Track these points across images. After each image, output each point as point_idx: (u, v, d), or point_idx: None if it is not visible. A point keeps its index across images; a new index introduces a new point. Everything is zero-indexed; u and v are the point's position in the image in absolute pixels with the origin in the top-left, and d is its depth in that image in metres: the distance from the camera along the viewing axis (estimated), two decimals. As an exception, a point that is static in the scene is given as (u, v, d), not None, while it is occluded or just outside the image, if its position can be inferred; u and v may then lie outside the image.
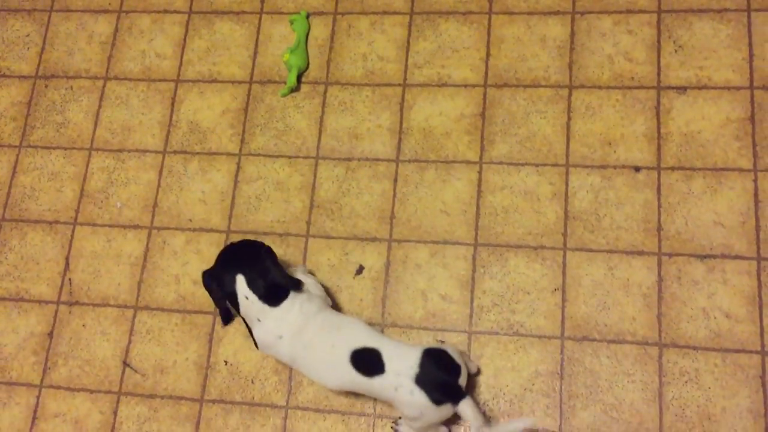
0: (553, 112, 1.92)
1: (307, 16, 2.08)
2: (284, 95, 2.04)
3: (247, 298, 1.57)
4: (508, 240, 1.85)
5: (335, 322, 1.61)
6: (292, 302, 1.59)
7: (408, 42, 2.05)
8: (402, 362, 1.50)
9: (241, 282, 1.57)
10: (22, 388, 1.92)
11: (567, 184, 1.86)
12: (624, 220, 1.81)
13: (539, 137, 1.91)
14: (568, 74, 1.95)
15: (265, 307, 1.57)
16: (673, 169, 1.83)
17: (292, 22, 2.06)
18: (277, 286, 1.58)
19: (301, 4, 2.13)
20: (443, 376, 1.49)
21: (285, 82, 2.03)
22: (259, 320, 1.59)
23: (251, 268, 1.58)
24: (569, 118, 1.91)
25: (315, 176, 1.98)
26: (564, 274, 1.80)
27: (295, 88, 2.04)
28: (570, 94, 1.93)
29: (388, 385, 1.50)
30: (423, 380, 1.47)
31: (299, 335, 1.57)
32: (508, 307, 1.80)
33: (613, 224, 1.81)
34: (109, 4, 2.22)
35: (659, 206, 1.81)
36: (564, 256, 1.81)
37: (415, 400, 1.48)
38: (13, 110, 2.17)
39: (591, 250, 1.80)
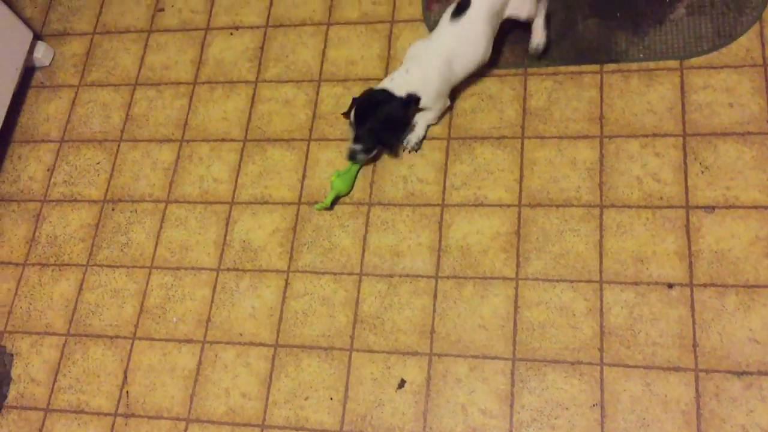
0: (585, 230, 2.01)
1: None
2: (318, 209, 2.18)
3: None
4: (545, 355, 1.90)
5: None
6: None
7: (446, 165, 2.19)
8: None
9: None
10: (78, 499, 2.00)
11: (601, 300, 1.92)
12: (659, 336, 1.85)
13: (573, 254, 1.99)
14: (599, 194, 2.05)
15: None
16: (705, 285, 1.88)
17: None
18: None
19: (347, 131, 2.31)
20: None
21: (327, 204, 2.17)
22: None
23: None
24: (601, 236, 2.00)
25: (359, 292, 2.08)
26: (602, 389, 1.83)
27: (328, 209, 2.18)
28: (601, 213, 2.02)
29: None
30: None
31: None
32: (548, 422, 1.83)
33: (649, 340, 1.86)
34: (172, 134, 2.43)
35: (693, 322, 1.85)
36: (601, 372, 1.85)
37: None
38: (82, 232, 2.35)
39: (628, 366, 1.84)
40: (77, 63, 2.62)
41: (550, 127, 2.17)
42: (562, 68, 2.24)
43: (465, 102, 2.26)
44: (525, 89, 2.24)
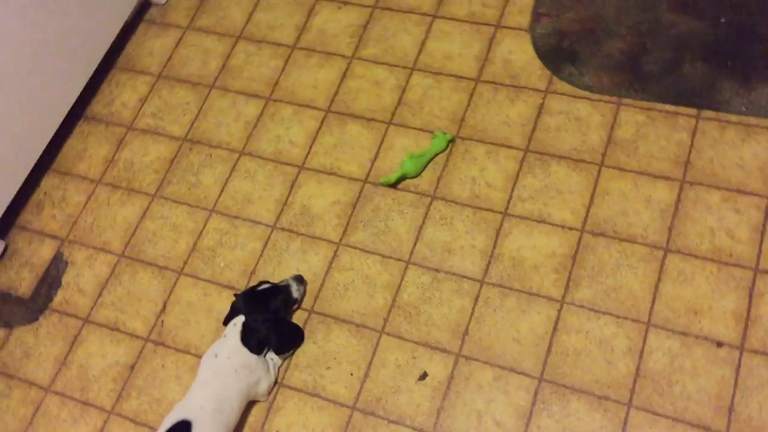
0: (644, 269, 1.95)
1: (451, 141, 2.24)
2: (381, 182, 2.19)
3: (234, 324, 1.94)
4: (573, 382, 1.85)
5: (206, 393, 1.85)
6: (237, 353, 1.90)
7: (517, 175, 2.17)
8: None
9: (240, 319, 1.94)
10: (94, 410, 2.07)
11: (644, 343, 1.86)
12: (696, 392, 1.78)
13: (625, 290, 1.93)
14: (667, 237, 1.98)
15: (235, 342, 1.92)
16: (756, 352, 1.79)
17: (434, 136, 2.23)
18: (257, 339, 1.91)
19: (427, 123, 2.32)
20: None
21: (391, 180, 2.18)
22: (225, 336, 1.95)
23: (254, 314, 1.94)
24: (659, 279, 1.93)
25: (402, 279, 2.08)
26: (623, 430, 1.77)
27: (391, 186, 2.19)
28: (665, 256, 1.96)
29: None
30: None
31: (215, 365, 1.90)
32: (560, 450, 1.78)
33: (684, 393, 1.78)
34: (261, 91, 2.50)
35: (735, 386, 1.76)
36: (627, 413, 1.79)
37: None
38: (157, 164, 2.44)
39: (656, 413, 1.77)
40: (190, 7, 2.73)
41: (631, 161, 2.11)
42: (659, 105, 2.18)
43: (552, 118, 2.23)
44: (615, 118, 2.19)
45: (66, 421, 2.08)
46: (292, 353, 2.03)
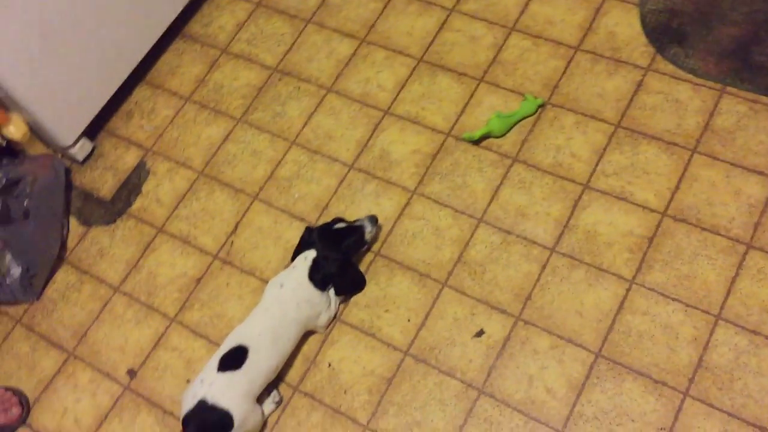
0: (722, 262, 1.90)
1: (540, 107, 2.21)
2: (464, 137, 2.18)
3: (305, 258, 1.96)
4: (631, 363, 1.83)
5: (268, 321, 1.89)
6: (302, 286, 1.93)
7: (604, 149, 2.12)
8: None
9: (311, 254, 1.95)
10: (158, 315, 2.15)
11: (711, 335, 1.82)
12: (757, 391, 1.74)
13: (699, 280, 1.89)
14: (751, 233, 1.92)
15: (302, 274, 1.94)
16: (829, 362, 1.73)
17: (525, 99, 2.20)
18: (325, 276, 1.93)
19: (519, 85, 2.28)
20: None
21: (475, 136, 2.17)
22: (294, 267, 1.96)
23: (326, 252, 1.95)
24: (737, 274, 1.88)
25: (472, 236, 2.08)
26: (676, 417, 1.74)
27: (474, 142, 2.18)
28: (746, 252, 1.90)
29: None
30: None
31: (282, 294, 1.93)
32: (608, 426, 1.77)
33: (745, 391, 1.74)
34: (357, 31, 2.49)
35: (801, 393, 1.72)
36: (682, 401, 1.76)
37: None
38: (246, 89, 2.48)
39: (712, 406, 1.74)
40: (297, -61, 2.73)
41: (726, 151, 2.04)
42: (764, 98, 2.09)
43: (649, 97, 2.17)
44: (716, 106, 2.12)
45: (130, 321, 2.16)
46: (350, 297, 2.06)
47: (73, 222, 2.37)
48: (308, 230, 2.03)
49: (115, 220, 2.35)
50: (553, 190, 2.10)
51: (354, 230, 2.01)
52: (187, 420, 1.78)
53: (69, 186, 2.41)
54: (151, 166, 2.42)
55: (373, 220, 2.03)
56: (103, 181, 2.42)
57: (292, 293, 1.91)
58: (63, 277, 2.28)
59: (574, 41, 2.31)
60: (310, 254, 1.96)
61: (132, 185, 2.40)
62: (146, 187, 2.38)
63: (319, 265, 1.94)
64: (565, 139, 2.17)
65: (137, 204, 2.36)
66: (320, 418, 1.92)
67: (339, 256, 1.96)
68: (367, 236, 2.03)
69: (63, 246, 2.32)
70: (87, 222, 2.36)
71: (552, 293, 1.96)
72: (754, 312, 1.83)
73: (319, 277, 1.93)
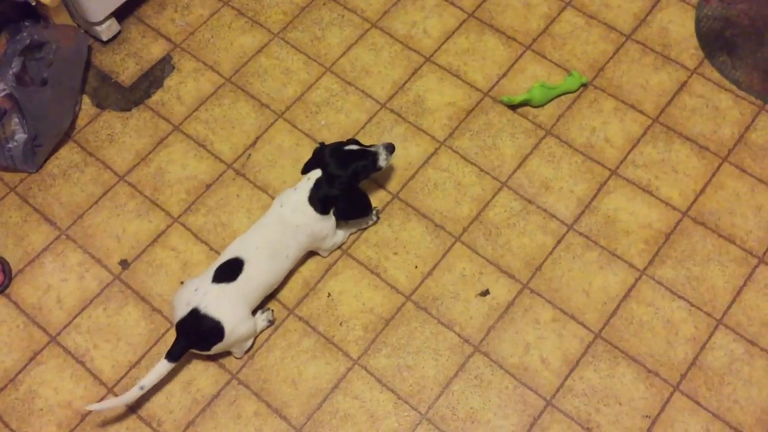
0: (733, 270, 1.93)
1: (583, 86, 2.20)
2: (501, 101, 2.17)
3: (308, 179, 1.87)
4: (628, 349, 1.85)
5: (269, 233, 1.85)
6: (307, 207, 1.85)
7: (638, 140, 2.13)
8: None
9: (315, 174, 1.87)
10: (161, 212, 2.09)
11: (710, 337, 1.85)
12: (745, 399, 1.78)
13: (708, 284, 1.92)
14: (765, 249, 1.96)
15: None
16: (817, 383, 1.78)
17: (570, 74, 2.18)
18: (325, 199, 1.85)
19: (565, 60, 2.27)
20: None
21: (514, 101, 2.15)
22: (295, 189, 1.88)
23: (332, 173, 1.85)
24: (745, 285, 1.91)
25: (493, 197, 2.07)
26: (662, 409, 1.78)
27: (512, 107, 2.16)
28: (757, 265, 1.94)
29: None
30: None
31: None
32: (595, 404, 1.79)
33: (733, 396, 1.78)
34: (412, -28, 2.44)
35: (785, 407, 1.76)
36: (671, 394, 1.79)
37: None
38: (288, 6, 2.41)
39: (699, 405, 1.78)
40: None
41: (755, 166, 2.07)
42: (801, 123, 2.12)
43: (690, 99, 2.18)
44: (753, 120, 2.14)
45: (131, 212, 2.10)
46: (362, 229, 2.03)
47: (87, 101, 2.28)
48: (321, 147, 1.93)
49: (130, 108, 2.26)
50: (581, 169, 2.10)
51: (367, 154, 1.89)
52: (179, 327, 1.75)
53: (88, 64, 2.31)
54: (176, 63, 2.33)
55: (390, 148, 1.93)
56: (124, 67, 2.33)
57: (290, 215, 1.85)
58: (67, 154, 2.20)
59: (627, 29, 2.30)
60: (314, 175, 1.86)
61: (154, 77, 2.31)
62: (168, 82, 2.30)
63: (321, 187, 1.85)
64: (601, 122, 2.16)
65: (156, 97, 2.28)
66: (312, 345, 1.90)
67: (345, 178, 1.85)
68: (381, 163, 1.91)
69: (73, 123, 2.23)
70: (101, 105, 2.27)
71: (562, 268, 1.96)
72: (755, 323, 1.86)
73: (318, 198, 1.84)
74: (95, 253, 2.04)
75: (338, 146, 1.90)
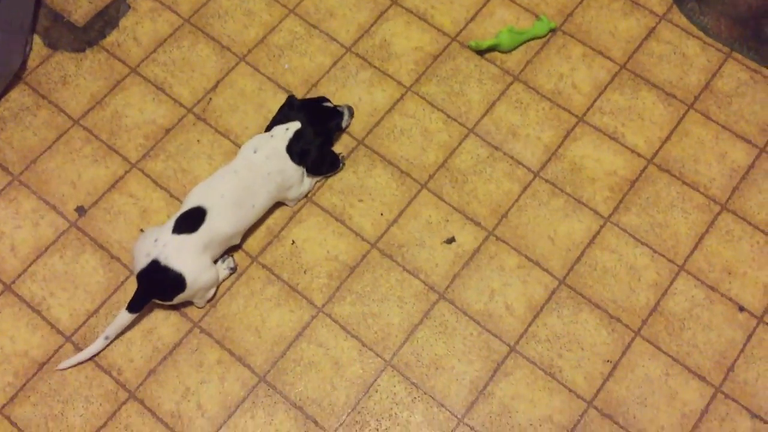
0: (695, 217, 1.95)
1: (551, 31, 2.16)
2: (468, 46, 2.14)
3: (287, 129, 1.88)
4: (591, 295, 1.86)
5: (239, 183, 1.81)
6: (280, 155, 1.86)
7: (605, 87, 2.11)
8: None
9: (295, 125, 1.88)
10: (118, 158, 2.02)
11: (672, 283, 1.87)
12: (703, 343, 1.81)
13: (671, 231, 1.93)
14: (728, 196, 1.97)
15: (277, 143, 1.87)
16: (774, 328, 1.82)
17: (539, 19, 2.14)
18: (303, 151, 1.88)
19: (534, 5, 2.22)
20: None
21: (481, 46, 2.11)
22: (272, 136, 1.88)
23: (311, 127, 1.89)
24: (707, 231, 1.93)
25: (460, 144, 2.04)
26: (623, 353, 1.80)
27: (479, 52, 2.13)
28: (719, 212, 1.95)
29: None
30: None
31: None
32: (558, 350, 1.81)
33: (692, 340, 1.81)
34: None
35: (741, 351, 1.80)
36: (632, 339, 1.82)
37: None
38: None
39: (659, 349, 1.80)
40: None
41: (720, 114, 2.07)
42: (766, 71, 2.12)
43: (658, 45, 2.16)
44: (719, 68, 2.13)
45: (87, 157, 2.03)
46: (323, 179, 1.99)
47: (38, 41, 2.18)
48: (291, 100, 1.96)
49: (84, 49, 2.17)
50: (548, 116, 2.08)
51: (336, 114, 1.99)
52: (140, 278, 1.71)
53: (39, 2, 2.20)
54: (132, 2, 2.23)
55: (351, 111, 2.04)
56: (77, 6, 2.23)
57: (265, 161, 1.83)
58: (17, 96, 2.10)
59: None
60: (293, 126, 1.88)
61: (109, 17, 2.21)
62: (124, 23, 2.20)
63: (301, 137, 1.87)
64: (569, 68, 2.14)
65: (111, 38, 2.19)
66: (275, 292, 1.87)
67: (323, 134, 1.92)
68: (344, 124, 2.02)
69: (23, 64, 2.13)
70: (53, 45, 2.17)
71: (528, 216, 1.96)
72: (716, 270, 1.89)
73: (297, 150, 1.86)
74: (50, 200, 1.98)
75: (315, 103, 1.97)
